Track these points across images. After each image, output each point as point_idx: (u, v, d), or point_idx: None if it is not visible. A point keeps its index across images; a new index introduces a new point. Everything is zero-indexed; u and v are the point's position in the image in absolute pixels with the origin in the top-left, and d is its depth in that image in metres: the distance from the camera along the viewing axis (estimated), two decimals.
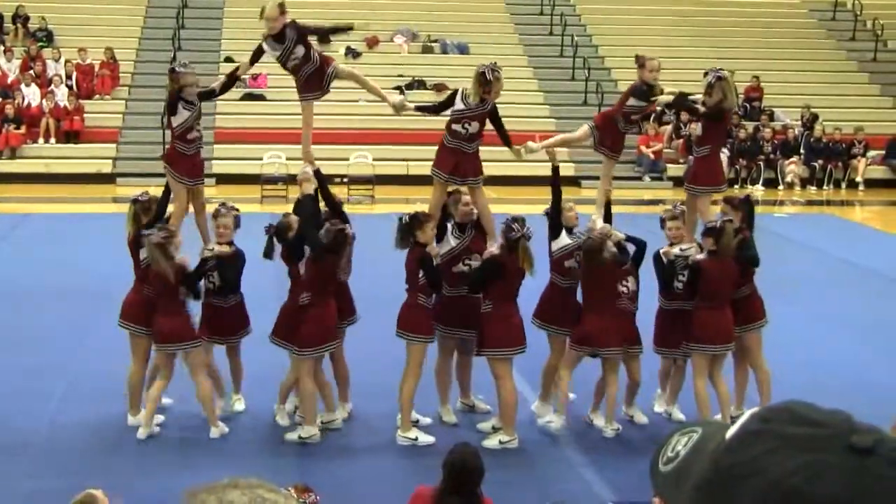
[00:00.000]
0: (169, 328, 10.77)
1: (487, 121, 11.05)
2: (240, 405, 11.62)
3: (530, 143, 11.68)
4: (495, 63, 11.30)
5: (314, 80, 11.28)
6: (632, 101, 11.50)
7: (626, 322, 11.22)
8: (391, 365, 10.98)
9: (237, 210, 11.28)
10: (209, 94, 11.86)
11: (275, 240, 11.02)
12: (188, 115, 11.16)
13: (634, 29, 33.62)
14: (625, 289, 11.16)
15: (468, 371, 11.70)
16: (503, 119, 11.31)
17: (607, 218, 11.41)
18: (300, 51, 11.16)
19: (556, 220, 11.12)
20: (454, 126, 10.99)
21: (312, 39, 11.45)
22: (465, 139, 10.96)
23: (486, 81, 10.92)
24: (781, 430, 1.48)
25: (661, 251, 11.24)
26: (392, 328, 10.91)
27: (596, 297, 11.11)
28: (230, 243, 11.07)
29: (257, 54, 11.49)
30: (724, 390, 11.06)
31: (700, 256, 10.91)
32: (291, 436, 10.89)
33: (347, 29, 12.06)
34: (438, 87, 30.58)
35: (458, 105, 10.99)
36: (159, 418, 11.19)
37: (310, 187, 10.85)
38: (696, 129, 11.49)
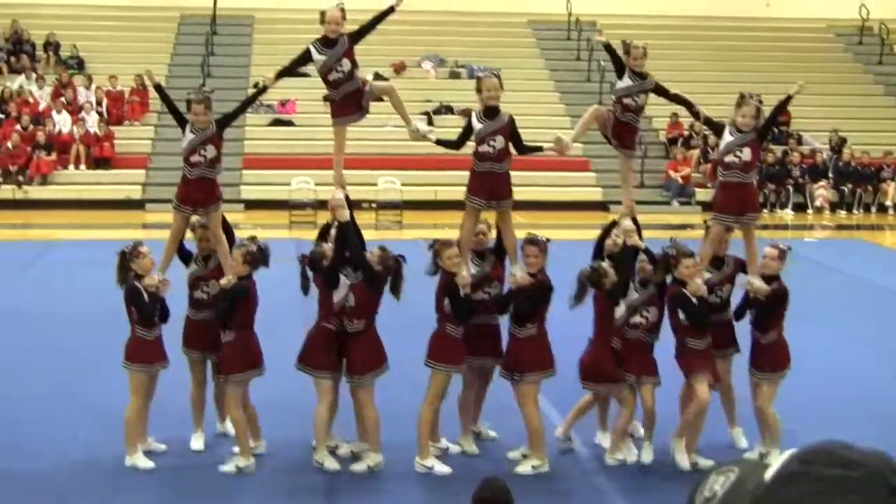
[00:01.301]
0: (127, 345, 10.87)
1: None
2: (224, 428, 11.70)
3: (561, 136, 11.43)
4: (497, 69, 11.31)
5: (351, 101, 11.17)
6: (619, 84, 11.40)
7: (637, 353, 10.99)
8: (420, 392, 10.92)
9: (254, 247, 10.84)
10: (233, 115, 11.60)
11: (308, 271, 10.94)
12: (192, 138, 10.97)
13: (661, 53, 33.58)
14: (643, 319, 10.95)
15: (482, 399, 11.64)
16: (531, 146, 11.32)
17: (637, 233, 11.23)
18: (346, 65, 11.05)
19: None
20: (481, 148, 10.90)
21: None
22: (495, 158, 10.85)
23: (478, 81, 10.96)
24: (820, 472, 1.48)
25: (688, 291, 10.73)
26: (418, 355, 10.88)
27: (596, 326, 11.09)
28: (245, 276, 10.76)
29: (303, 59, 11.25)
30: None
31: (759, 284, 10.85)
32: (359, 466, 10.80)
33: (389, 11, 11.51)
34: (465, 112, 30.61)
35: (477, 125, 10.93)
36: (160, 447, 11.21)
37: (345, 214, 10.72)
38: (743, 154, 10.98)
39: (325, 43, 11.09)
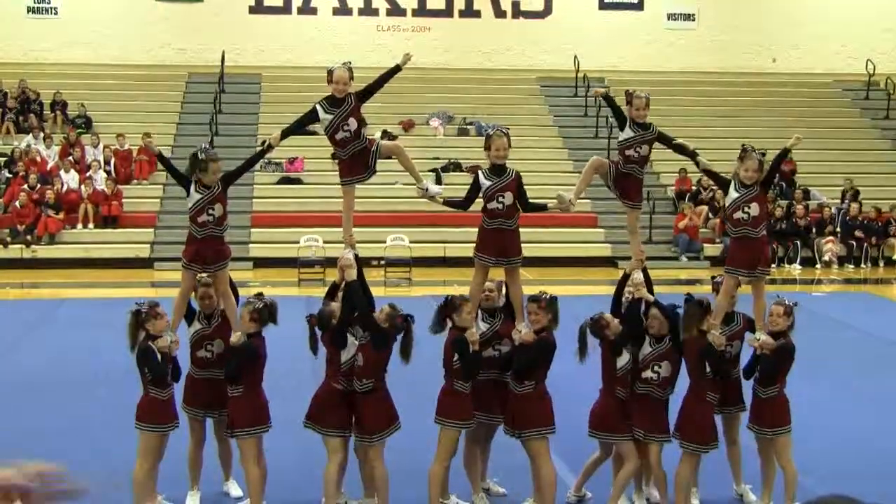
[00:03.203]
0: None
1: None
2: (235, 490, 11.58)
3: (562, 194, 11.41)
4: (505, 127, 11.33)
5: (359, 160, 11.13)
6: (621, 136, 11.36)
7: (647, 409, 10.87)
8: (429, 449, 10.85)
9: (260, 304, 10.73)
10: (237, 173, 11.42)
11: (317, 330, 10.88)
12: (199, 198, 10.88)
13: (669, 109, 33.74)
14: (654, 374, 10.84)
15: (487, 454, 11.56)
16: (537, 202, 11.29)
17: (648, 286, 11.16)
18: (353, 124, 11.01)
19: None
20: (490, 205, 10.84)
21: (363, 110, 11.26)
22: (504, 214, 10.81)
23: (488, 138, 10.95)
24: None
25: (712, 342, 10.67)
26: (426, 411, 10.81)
27: (602, 377, 11.03)
28: (255, 334, 10.67)
29: (309, 118, 11.17)
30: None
31: (766, 338, 10.77)
32: None
33: (396, 70, 11.48)
34: (473, 169, 30.66)
35: (484, 183, 10.90)
36: None
37: (353, 273, 10.65)
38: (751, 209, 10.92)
39: (332, 102, 11.07)
